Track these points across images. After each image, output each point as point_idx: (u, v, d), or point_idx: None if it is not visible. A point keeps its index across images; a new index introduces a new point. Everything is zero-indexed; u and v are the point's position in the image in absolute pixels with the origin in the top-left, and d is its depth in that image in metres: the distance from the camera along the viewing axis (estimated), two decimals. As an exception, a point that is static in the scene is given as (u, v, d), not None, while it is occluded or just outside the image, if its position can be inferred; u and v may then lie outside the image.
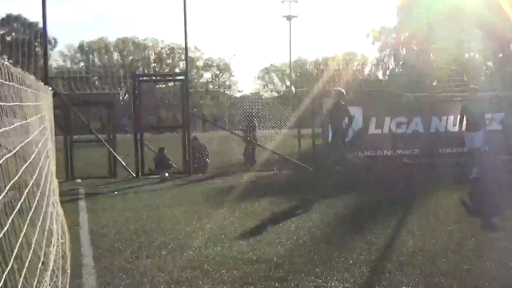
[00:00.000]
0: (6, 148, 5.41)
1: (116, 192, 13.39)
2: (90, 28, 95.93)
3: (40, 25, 17.23)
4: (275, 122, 18.89)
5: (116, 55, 76.45)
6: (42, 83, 9.06)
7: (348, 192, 12.26)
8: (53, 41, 66.42)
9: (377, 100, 20.08)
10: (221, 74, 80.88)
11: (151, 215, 10.18)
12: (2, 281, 3.11)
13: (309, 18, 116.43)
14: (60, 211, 8.28)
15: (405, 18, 41.22)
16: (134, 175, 16.50)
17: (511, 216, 9.12)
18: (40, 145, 6.71)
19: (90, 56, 74.17)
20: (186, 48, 18.85)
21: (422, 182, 13.66)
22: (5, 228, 3.44)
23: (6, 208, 3.94)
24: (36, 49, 24.16)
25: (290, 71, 71.40)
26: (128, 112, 28.49)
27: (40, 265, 4.47)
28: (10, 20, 37.12)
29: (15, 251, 3.53)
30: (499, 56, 35.03)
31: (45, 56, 17.55)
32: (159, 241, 7.93)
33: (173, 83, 26.47)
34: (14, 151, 4.74)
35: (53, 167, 8.50)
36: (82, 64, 71.01)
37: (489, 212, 9.46)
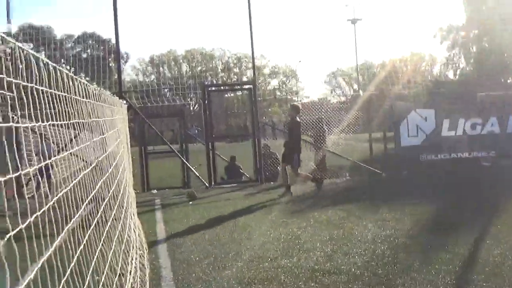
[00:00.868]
0: (85, 161, 5.51)
1: (190, 202, 13.51)
2: (160, 41, 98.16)
3: (113, 41, 17.72)
4: (344, 127, 18.67)
5: (185, 67, 77.96)
6: (117, 98, 9.26)
7: (425, 198, 11.85)
8: (125, 56, 68.49)
9: (450, 101, 19.52)
10: (288, 81, 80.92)
11: (225, 225, 10.19)
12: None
13: (373, 20, 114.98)
14: (138, 222, 8.41)
15: (474, 15, 39.94)
16: (207, 185, 16.64)
17: None
18: (117, 158, 6.83)
19: (161, 68, 75.97)
20: (253, 57, 18.91)
21: (504, 185, 13.06)
22: (83, 241, 3.47)
23: (85, 221, 3.98)
24: (110, 64, 24.91)
25: (357, 74, 70.48)
26: (199, 122, 28.86)
27: (116, 278, 4.51)
28: (85, 38, 38.53)
29: (93, 264, 3.56)
30: None
31: (119, 71, 18.02)
32: (234, 252, 7.90)
33: (241, 92, 26.64)
34: (93, 165, 4.82)
35: (129, 179, 8.67)
36: (153, 77, 72.86)
37: None
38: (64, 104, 3.75)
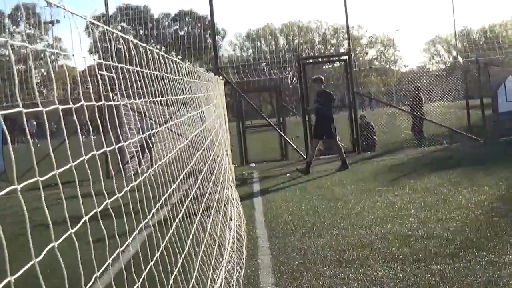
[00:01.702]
0: (184, 137, 5.78)
1: (288, 174, 13.71)
2: (257, 15, 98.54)
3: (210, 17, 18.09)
4: (442, 95, 18.23)
5: (282, 40, 78.03)
6: (213, 74, 9.54)
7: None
8: (222, 32, 69.37)
9: None
10: (386, 50, 79.02)
11: (322, 195, 10.33)
12: (179, 264, 3.36)
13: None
14: (236, 194, 8.70)
15: None
16: (305, 157, 16.77)
17: None
18: (212, 133, 7.10)
19: (258, 43, 76.52)
20: (347, 27, 18.68)
21: None
22: (180, 214, 3.71)
23: (187, 195, 4.23)
24: (208, 41, 25.43)
25: (456, 41, 67.59)
26: (296, 95, 28.95)
27: (215, 247, 4.75)
28: (182, 15, 39.42)
29: (191, 235, 3.80)
30: None
31: (215, 47, 18.39)
32: (330, 221, 8.03)
33: (338, 63, 26.45)
34: (188, 140, 5.07)
35: (227, 152, 8.96)
36: (250, 51, 73.54)
37: None
38: (157, 83, 3.99)
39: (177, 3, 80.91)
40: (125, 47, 3.32)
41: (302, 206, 9.38)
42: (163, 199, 3.29)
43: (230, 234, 6.38)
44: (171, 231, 3.38)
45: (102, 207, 2.30)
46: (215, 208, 5.61)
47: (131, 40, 3.44)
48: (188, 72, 5.66)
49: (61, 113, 2.15)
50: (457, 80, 18.53)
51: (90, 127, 2.38)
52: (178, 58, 5.12)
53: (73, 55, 2.45)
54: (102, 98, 2.78)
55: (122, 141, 3.51)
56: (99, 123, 2.61)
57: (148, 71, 3.70)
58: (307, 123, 17.08)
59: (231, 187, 8.57)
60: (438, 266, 5.51)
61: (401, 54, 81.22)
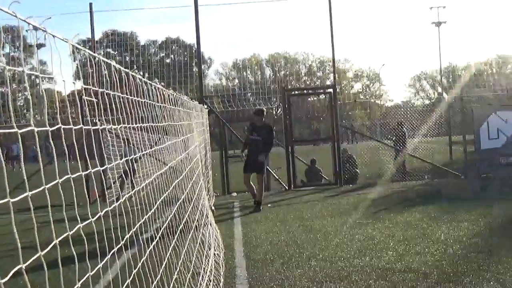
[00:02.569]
0: (159, 160, 5.78)
1: (269, 205, 13.69)
2: (243, 46, 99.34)
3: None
4: (425, 130, 18.49)
5: (268, 71, 78.62)
6: (197, 102, 9.60)
7: (503, 200, 11.72)
8: (208, 61, 69.83)
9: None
10: (372, 84, 79.97)
11: (302, 226, 10.32)
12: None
13: (458, 23, 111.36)
14: (214, 224, 8.68)
15: None
16: (287, 188, 16.80)
17: None
18: (193, 161, 7.11)
19: (244, 73, 76.95)
20: (333, 61, 18.92)
21: None
22: (154, 242, 3.69)
23: (164, 223, 4.23)
24: (194, 69, 25.54)
25: (441, 77, 68.73)
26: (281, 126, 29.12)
27: (189, 275, 4.72)
28: (169, 43, 39.59)
29: (164, 263, 3.78)
30: None
31: (200, 76, 18.50)
32: (309, 252, 8.02)
33: (323, 96, 26.72)
34: (168, 166, 5.08)
35: (209, 179, 8.97)
36: (236, 81, 73.94)
37: None
38: (139, 109, 4.01)
39: (164, 31, 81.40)
40: (106, 72, 3.34)
41: (282, 237, 9.35)
42: (137, 225, 3.29)
43: (208, 263, 6.36)
44: (144, 258, 3.36)
45: (73, 231, 2.30)
46: (192, 236, 5.59)
47: (113, 65, 3.47)
48: (171, 99, 5.69)
49: (36, 136, 2.16)
50: (441, 116, 18.80)
51: (69, 151, 2.38)
52: (162, 85, 5.15)
53: (54, 80, 2.47)
54: (81, 122, 2.79)
55: (106, 164, 3.51)
56: (83, 146, 2.62)
57: (130, 97, 3.72)
58: (289, 155, 17.14)
59: (210, 216, 8.55)
60: (414, 301, 5.52)
61: (386, 89, 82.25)
